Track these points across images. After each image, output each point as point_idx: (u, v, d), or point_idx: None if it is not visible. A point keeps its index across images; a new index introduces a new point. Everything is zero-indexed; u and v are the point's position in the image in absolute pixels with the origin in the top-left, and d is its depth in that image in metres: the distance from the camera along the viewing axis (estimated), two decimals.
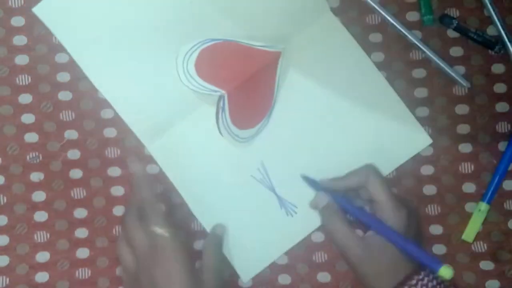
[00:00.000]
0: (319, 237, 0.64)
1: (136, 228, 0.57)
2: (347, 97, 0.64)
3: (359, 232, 0.60)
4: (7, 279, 0.63)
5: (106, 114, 0.64)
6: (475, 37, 0.64)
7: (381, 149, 0.64)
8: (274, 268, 0.64)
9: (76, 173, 0.64)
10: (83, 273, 0.64)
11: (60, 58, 0.64)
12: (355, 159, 0.63)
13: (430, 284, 0.55)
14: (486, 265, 0.64)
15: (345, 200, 0.60)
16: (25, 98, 0.64)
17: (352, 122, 0.64)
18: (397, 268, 0.56)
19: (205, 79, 0.60)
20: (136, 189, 0.60)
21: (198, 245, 0.64)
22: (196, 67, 0.60)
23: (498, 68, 0.65)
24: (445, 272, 0.53)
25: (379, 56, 0.65)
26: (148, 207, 0.58)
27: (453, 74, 0.64)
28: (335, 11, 0.64)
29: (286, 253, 0.64)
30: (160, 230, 0.57)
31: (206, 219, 0.64)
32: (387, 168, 0.64)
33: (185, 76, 0.60)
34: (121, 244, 0.59)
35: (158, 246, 0.56)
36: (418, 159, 0.65)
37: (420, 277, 0.55)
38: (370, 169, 0.59)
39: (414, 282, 0.55)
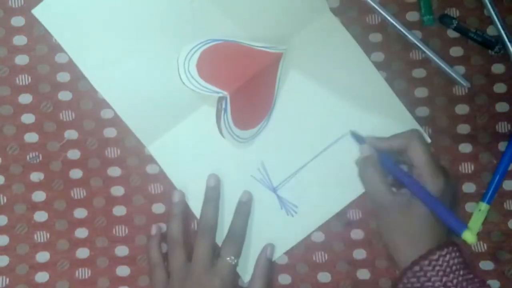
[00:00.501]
0: (319, 237, 0.64)
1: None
2: (346, 97, 0.64)
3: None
4: (7, 279, 0.63)
5: (106, 114, 0.64)
6: (475, 37, 0.64)
7: None
8: (274, 268, 0.64)
9: (76, 173, 0.64)
10: (83, 273, 0.64)
11: (60, 58, 0.64)
12: (355, 158, 0.63)
13: (451, 262, 0.54)
14: (486, 265, 0.64)
15: (385, 157, 0.60)
16: (25, 98, 0.64)
17: (351, 122, 0.64)
18: (422, 236, 0.56)
19: (206, 80, 0.60)
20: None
21: None
22: (197, 67, 0.60)
23: (498, 68, 0.65)
24: (468, 236, 0.53)
25: (379, 56, 0.65)
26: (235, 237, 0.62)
27: (453, 74, 0.64)
28: (335, 11, 0.64)
29: (286, 253, 0.64)
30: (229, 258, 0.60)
31: None
32: None
33: (186, 76, 0.60)
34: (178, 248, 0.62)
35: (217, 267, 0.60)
36: None
37: (443, 253, 0.55)
38: (414, 134, 0.59)
39: (435, 257, 0.55)
